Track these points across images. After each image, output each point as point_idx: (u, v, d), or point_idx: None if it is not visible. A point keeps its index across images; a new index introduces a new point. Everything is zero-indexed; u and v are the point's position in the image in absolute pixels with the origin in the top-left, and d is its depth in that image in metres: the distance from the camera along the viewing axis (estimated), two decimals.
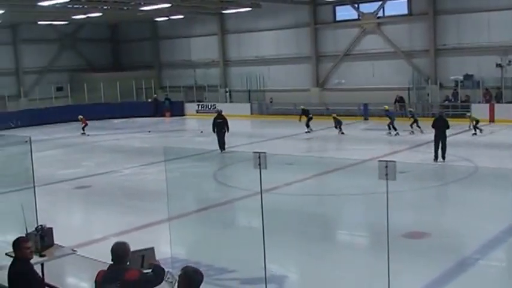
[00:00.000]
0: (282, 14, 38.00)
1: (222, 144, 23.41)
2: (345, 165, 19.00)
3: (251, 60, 39.99)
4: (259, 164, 6.40)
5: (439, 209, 14.61)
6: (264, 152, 6.46)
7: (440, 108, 30.76)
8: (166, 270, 6.09)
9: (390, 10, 34.60)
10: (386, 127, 26.83)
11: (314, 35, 37.19)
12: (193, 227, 13.36)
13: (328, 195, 16.53)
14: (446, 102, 31.85)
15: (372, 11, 34.91)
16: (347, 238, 13.03)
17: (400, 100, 33.07)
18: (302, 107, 30.33)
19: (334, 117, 28.44)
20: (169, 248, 9.44)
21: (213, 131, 23.71)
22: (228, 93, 41.06)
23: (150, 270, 5.97)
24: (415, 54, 33.60)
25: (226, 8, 36.89)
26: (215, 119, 24.01)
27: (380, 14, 34.90)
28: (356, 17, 35.84)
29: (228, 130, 23.62)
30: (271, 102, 38.34)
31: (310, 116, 29.10)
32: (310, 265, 10.79)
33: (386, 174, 5.97)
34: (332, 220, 14.27)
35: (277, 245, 9.83)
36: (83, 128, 31.25)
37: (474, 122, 25.79)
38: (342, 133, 27.71)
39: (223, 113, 24.42)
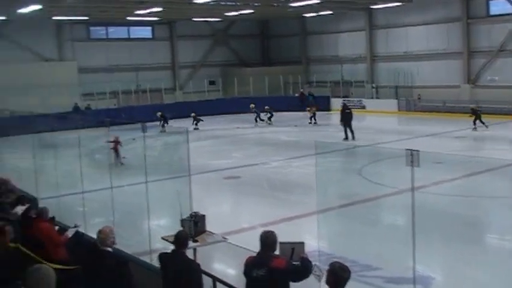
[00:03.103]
0: (432, 9, 36.69)
1: (352, 133, 25.86)
2: (498, 166, 17.99)
3: (399, 56, 39.06)
4: (412, 162, 6.24)
5: None
6: (417, 150, 6.30)
7: None
8: (313, 263, 6.17)
9: None
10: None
11: (466, 29, 35.48)
12: (339, 221, 13.36)
13: (478, 196, 15.78)
14: None
15: None
16: (497, 242, 12.39)
17: None
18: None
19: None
20: (315, 242, 9.52)
21: (341, 121, 26.38)
22: (374, 89, 40.47)
23: (298, 263, 6.09)
24: None
25: (375, 3, 36.29)
26: (343, 109, 26.83)
27: None
28: (511, 11, 33.67)
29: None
30: (419, 98, 37.19)
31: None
32: (457, 267, 10.46)
33: None
34: (481, 222, 13.64)
35: (423, 245, 9.58)
36: None
37: (312, 113, 32.59)
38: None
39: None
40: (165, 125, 30.63)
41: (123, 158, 21.64)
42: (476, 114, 28.27)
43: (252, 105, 34.33)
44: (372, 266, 10.22)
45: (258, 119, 33.95)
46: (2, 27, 36.51)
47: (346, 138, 25.91)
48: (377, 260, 10.41)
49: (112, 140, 20.87)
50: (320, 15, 41.21)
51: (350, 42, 42.49)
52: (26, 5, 27.96)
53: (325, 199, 12.98)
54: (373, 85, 40.66)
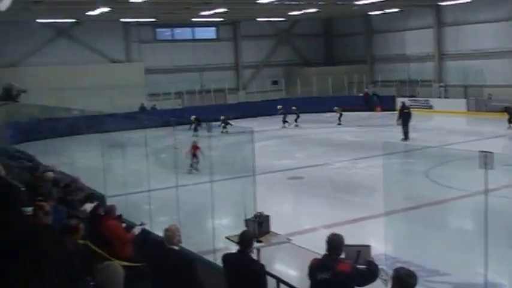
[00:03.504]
0: (503, 5, 35.41)
1: (406, 134, 25.81)
2: None
3: (469, 54, 37.90)
4: (485, 164, 6.01)
5: None
6: (491, 152, 6.07)
7: None
8: (380, 267, 6.04)
9: None
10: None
11: None
12: (405, 224, 13.09)
13: None
14: None
15: None
16: None
17: None
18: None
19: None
20: (379, 244, 9.34)
21: (397, 119, 26.47)
22: (442, 88, 39.47)
23: (364, 267, 5.98)
24: None
25: (444, 0, 35.40)
26: (402, 109, 26.84)
27: None
28: None
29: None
30: (489, 98, 36.01)
31: None
32: None
33: None
34: None
35: (493, 250, 9.25)
36: None
37: (339, 115, 33.16)
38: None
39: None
40: (198, 128, 29.42)
41: (186, 157, 21.77)
42: (510, 113, 27.99)
43: (279, 107, 34.19)
44: (439, 271, 9.95)
45: (285, 121, 33.63)
46: (71, 29, 37.69)
47: (405, 138, 25.83)
48: (444, 265, 10.12)
49: (190, 150, 20.52)
50: (386, 13, 40.55)
51: (417, 40, 41.53)
52: (95, 7, 28.71)
53: (391, 201, 12.74)
54: (441, 84, 39.66)
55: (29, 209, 5.36)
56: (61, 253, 6.18)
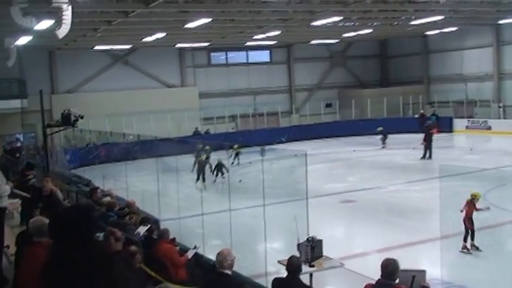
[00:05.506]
0: None
1: (430, 152, 27.51)
2: None
3: None
4: None
5: None
6: None
7: None
8: None
9: None
10: None
11: None
12: (459, 248, 12.75)
13: None
14: None
15: None
16: None
17: None
18: None
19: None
20: (435, 269, 9.14)
21: (424, 140, 28.01)
22: (501, 109, 38.41)
23: None
24: None
25: (505, 18, 34.58)
26: (428, 130, 28.62)
27: None
28: None
29: None
30: None
31: None
32: None
33: None
34: None
35: None
36: None
37: (235, 152, 27.78)
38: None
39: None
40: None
41: (239, 181, 21.86)
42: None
43: (204, 147, 26.23)
44: None
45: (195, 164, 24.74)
46: (127, 56, 38.64)
47: (424, 157, 27.51)
48: None
49: None
50: (443, 32, 39.83)
51: (475, 60, 40.60)
52: (151, 33, 29.41)
53: (447, 225, 12.47)
54: (500, 104, 38.61)
55: (100, 235, 5.44)
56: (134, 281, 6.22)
